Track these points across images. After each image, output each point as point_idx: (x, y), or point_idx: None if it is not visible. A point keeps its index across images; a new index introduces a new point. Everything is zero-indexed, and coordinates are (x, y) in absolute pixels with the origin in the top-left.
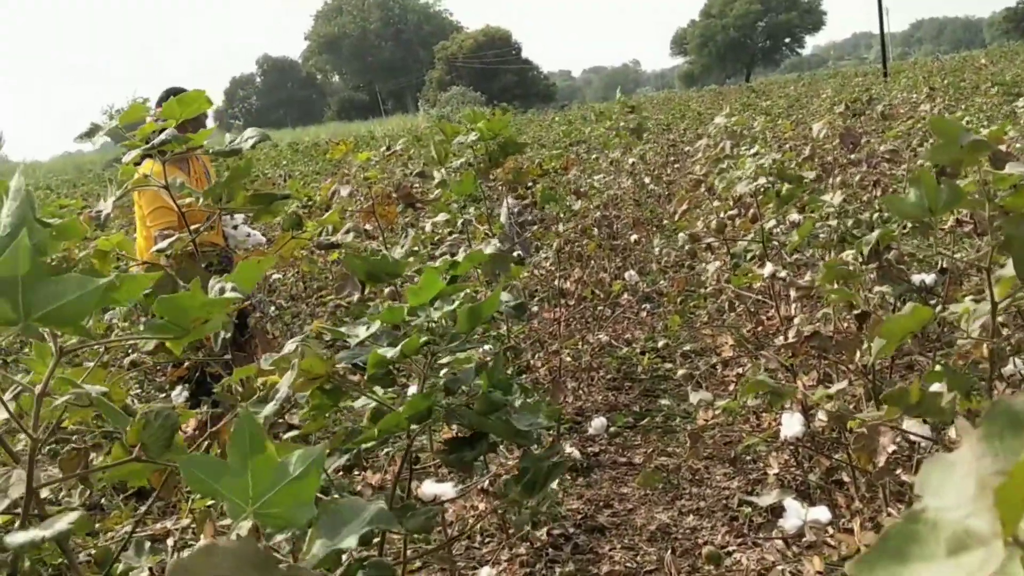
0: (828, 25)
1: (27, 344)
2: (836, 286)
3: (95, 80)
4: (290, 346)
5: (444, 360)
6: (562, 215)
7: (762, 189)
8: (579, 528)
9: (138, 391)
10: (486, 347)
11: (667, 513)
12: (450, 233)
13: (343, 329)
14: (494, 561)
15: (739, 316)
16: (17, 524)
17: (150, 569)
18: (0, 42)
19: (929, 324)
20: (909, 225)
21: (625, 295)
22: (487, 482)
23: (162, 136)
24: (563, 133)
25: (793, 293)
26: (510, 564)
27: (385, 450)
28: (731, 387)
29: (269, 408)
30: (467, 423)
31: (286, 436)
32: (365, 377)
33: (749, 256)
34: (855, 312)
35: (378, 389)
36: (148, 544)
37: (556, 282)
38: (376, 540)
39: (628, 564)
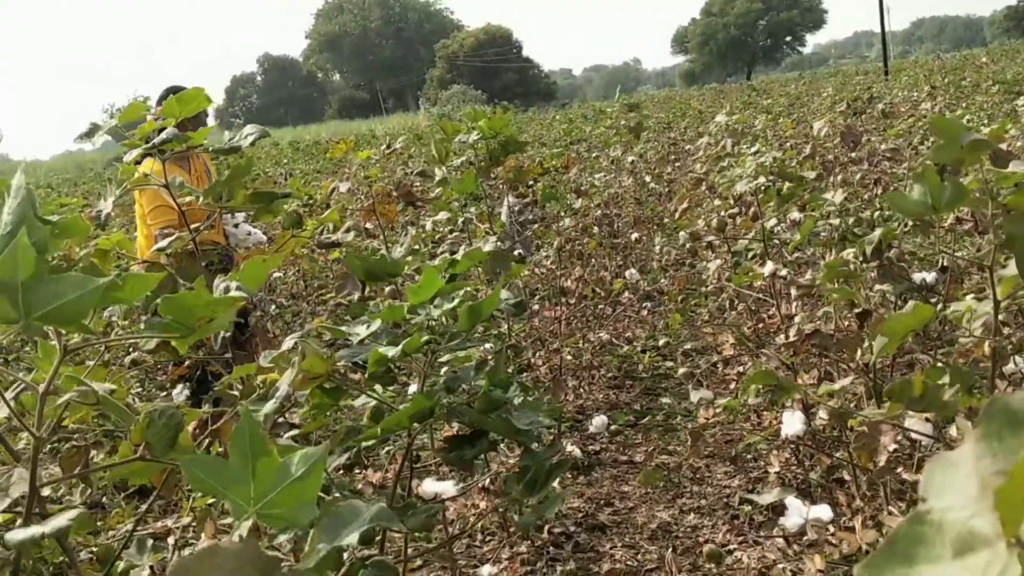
0: (829, 23)
1: (27, 342)
2: (837, 284)
3: (95, 80)
4: (288, 343)
5: (445, 358)
6: (563, 213)
7: (763, 187)
8: (580, 526)
9: (139, 390)
10: (487, 345)
11: (668, 511)
12: (451, 231)
13: (344, 328)
14: (495, 559)
15: (740, 314)
16: (19, 523)
17: (151, 567)
18: (0, 42)
19: (930, 322)
20: (910, 223)
21: (626, 293)
22: (488, 480)
23: (162, 135)
24: (564, 131)
25: (794, 291)
26: (511, 562)
27: (386, 448)
28: (732, 385)
29: (269, 406)
30: (468, 421)
31: (287, 435)
32: (366, 375)
33: (750, 254)
34: (856, 310)
35: (379, 387)
36: (149, 542)
37: (557, 280)
38: (377, 539)
39: (629, 562)
